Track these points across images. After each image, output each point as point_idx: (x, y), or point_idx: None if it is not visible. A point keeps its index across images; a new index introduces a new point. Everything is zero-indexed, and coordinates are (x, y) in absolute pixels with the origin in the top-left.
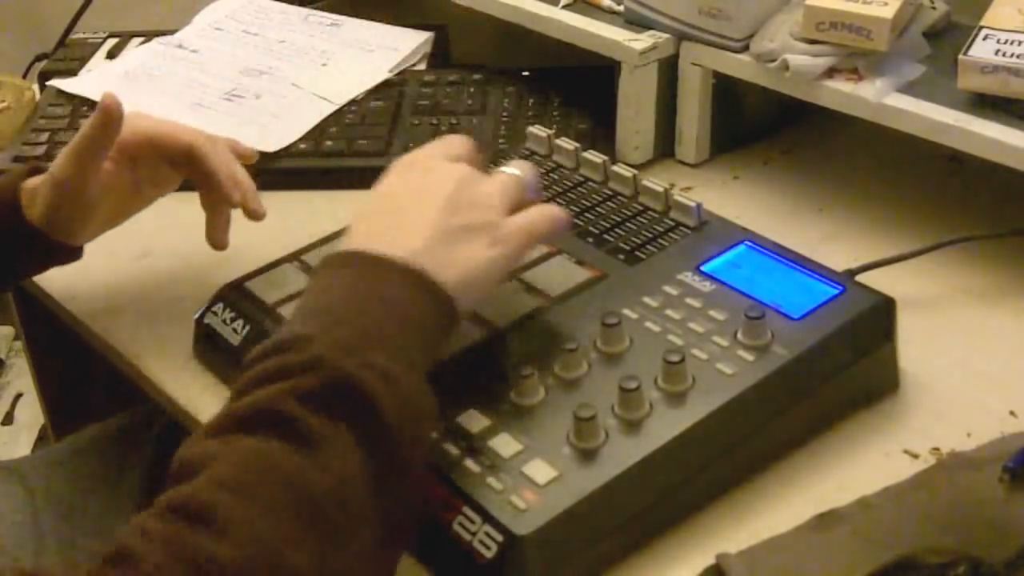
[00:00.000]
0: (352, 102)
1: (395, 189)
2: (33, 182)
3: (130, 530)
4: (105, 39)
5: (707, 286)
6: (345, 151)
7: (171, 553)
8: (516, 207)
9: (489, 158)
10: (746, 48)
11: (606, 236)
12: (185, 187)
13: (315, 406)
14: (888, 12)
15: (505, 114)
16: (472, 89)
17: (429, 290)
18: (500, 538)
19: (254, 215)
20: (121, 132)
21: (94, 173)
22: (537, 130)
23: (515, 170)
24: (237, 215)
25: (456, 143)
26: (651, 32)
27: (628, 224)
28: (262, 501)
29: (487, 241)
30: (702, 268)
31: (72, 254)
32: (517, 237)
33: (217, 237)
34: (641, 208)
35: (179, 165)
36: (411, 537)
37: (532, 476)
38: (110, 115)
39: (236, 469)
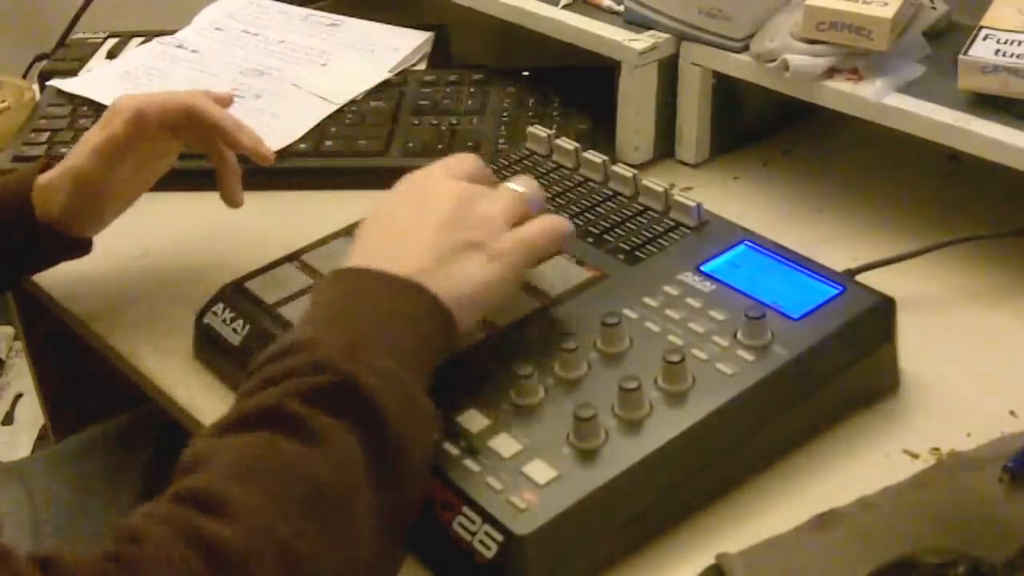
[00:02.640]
0: (352, 102)
1: (397, 206)
2: (47, 178)
3: (138, 515)
4: (105, 39)
5: (707, 286)
6: (345, 151)
7: (179, 534)
8: (519, 223)
9: (489, 158)
10: (746, 48)
11: (606, 236)
12: (183, 187)
13: (320, 405)
14: (888, 12)
15: (505, 114)
16: (472, 89)
17: (429, 304)
18: (500, 538)
19: (265, 158)
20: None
21: (119, 171)
22: (537, 130)
23: (519, 186)
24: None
25: (465, 161)
26: (651, 32)
27: (628, 224)
28: (269, 490)
29: (485, 257)
30: (702, 268)
31: (83, 248)
32: (515, 251)
33: (233, 192)
34: (641, 208)
35: (179, 130)
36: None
37: (532, 476)
38: (145, 123)
39: (244, 461)
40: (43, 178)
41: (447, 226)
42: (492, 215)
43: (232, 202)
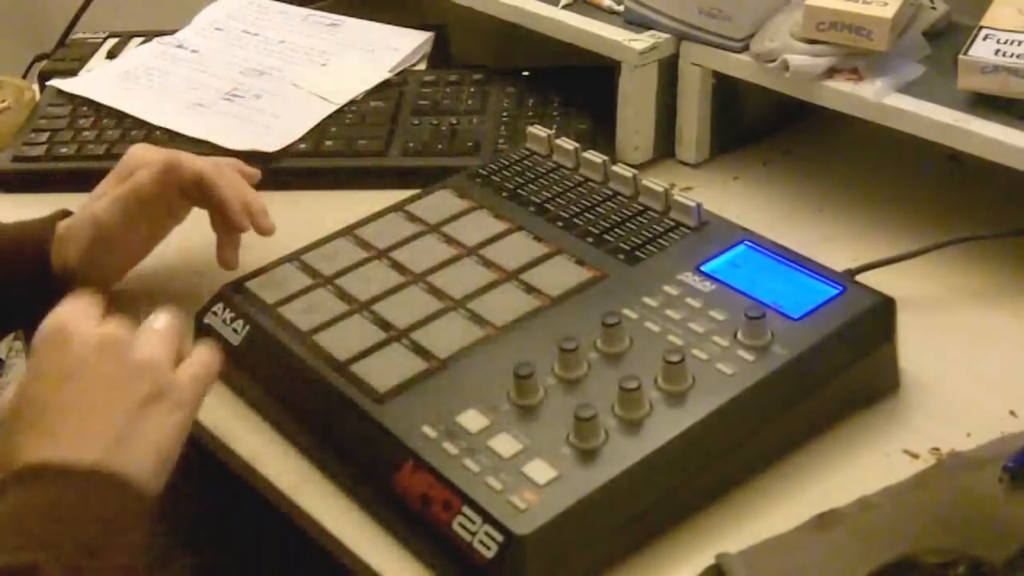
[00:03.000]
0: (352, 102)
1: (55, 380)
2: (66, 225)
3: None
4: (105, 39)
5: (707, 286)
6: (345, 151)
7: None
8: (177, 356)
9: (489, 158)
10: (746, 48)
11: (606, 236)
12: None
13: None
14: (888, 12)
15: (505, 114)
16: (472, 89)
17: (126, 495)
18: (500, 538)
19: (265, 233)
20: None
21: (139, 224)
22: (537, 130)
23: (161, 320)
24: None
25: (84, 305)
26: (651, 32)
27: (628, 224)
28: None
29: (167, 408)
30: (702, 268)
31: None
32: (194, 392)
33: (227, 258)
34: (641, 208)
35: (190, 190)
36: None
37: (532, 476)
38: (173, 178)
39: None
40: (62, 226)
41: (116, 389)
42: (154, 360)
43: (227, 265)
